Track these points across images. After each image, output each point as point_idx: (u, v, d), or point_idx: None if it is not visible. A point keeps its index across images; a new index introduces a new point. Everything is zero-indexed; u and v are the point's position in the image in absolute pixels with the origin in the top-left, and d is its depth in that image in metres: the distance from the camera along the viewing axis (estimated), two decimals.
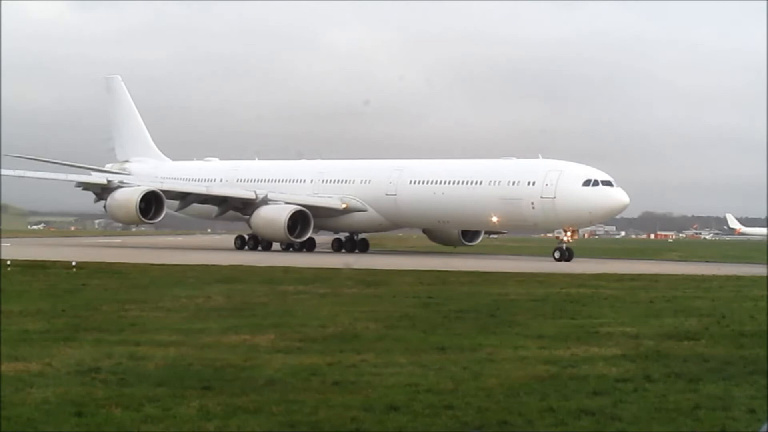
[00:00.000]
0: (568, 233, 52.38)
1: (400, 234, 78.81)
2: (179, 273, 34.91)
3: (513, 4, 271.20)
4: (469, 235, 62.39)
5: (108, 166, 73.24)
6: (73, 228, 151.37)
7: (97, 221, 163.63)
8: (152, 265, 39.05)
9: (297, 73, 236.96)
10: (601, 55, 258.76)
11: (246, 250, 60.86)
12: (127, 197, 58.77)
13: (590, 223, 60.06)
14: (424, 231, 64.87)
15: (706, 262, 55.75)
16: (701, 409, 11.24)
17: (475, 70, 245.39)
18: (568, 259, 51.00)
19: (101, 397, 11.32)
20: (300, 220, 57.54)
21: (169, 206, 60.88)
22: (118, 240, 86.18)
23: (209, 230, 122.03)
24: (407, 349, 15.85)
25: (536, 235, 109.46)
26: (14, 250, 49.01)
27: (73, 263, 36.40)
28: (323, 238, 65.00)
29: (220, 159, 72.65)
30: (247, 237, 62.22)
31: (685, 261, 51.09)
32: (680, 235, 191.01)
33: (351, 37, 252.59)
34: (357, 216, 59.95)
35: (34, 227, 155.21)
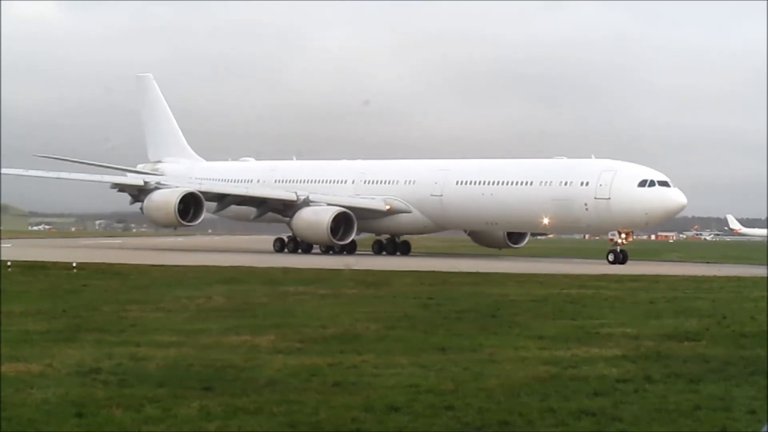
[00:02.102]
0: (623, 235, 50.38)
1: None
2: (180, 274, 34.92)
3: (504, 5, 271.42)
4: (514, 236, 60.39)
5: (140, 167, 71.65)
6: (73, 229, 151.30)
7: (97, 222, 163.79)
8: (153, 266, 39.04)
9: (289, 73, 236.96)
10: (595, 56, 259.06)
11: (286, 252, 59.32)
12: (166, 199, 57.14)
13: (646, 225, 57.70)
14: (468, 233, 63.00)
15: (707, 262, 55.74)
16: (702, 409, 11.24)
17: (467, 71, 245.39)
18: (623, 262, 49.30)
19: (102, 398, 11.32)
20: (343, 222, 56.02)
21: (206, 208, 58.93)
22: (118, 241, 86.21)
23: (210, 231, 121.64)
24: (408, 349, 15.85)
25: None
26: (15, 251, 49.05)
27: (74, 264, 36.40)
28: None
29: (256, 159, 70.89)
30: (286, 239, 60.67)
31: (685, 262, 51.00)
32: (681, 235, 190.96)
33: (345, 39, 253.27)
34: (401, 218, 58.42)
35: (35, 228, 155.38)
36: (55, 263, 38.34)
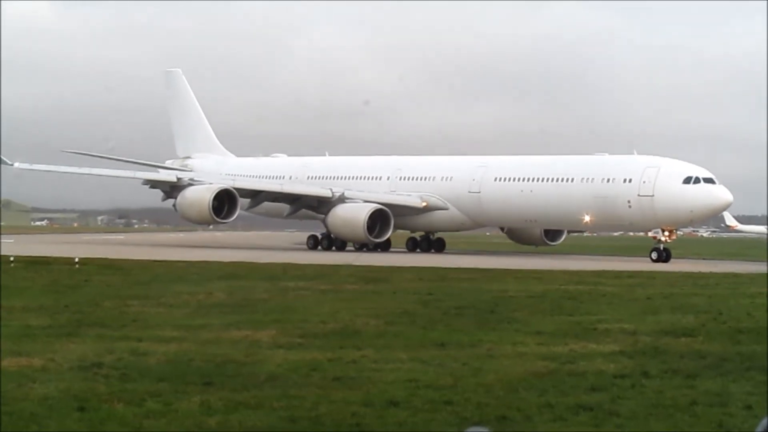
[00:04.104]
0: (666, 233, 49.40)
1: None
2: (181, 269, 34.92)
3: (492, 5, 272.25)
4: (551, 234, 59.08)
5: (168, 162, 70.75)
6: (75, 224, 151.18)
7: (99, 218, 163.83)
8: (154, 261, 39.05)
9: (278, 74, 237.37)
10: (581, 54, 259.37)
11: (319, 250, 58.27)
12: (200, 196, 55.84)
13: (691, 223, 56.78)
14: (504, 230, 61.52)
15: (704, 259, 55.70)
16: (698, 404, 11.24)
17: (456, 69, 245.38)
18: (666, 260, 48.21)
19: (103, 393, 11.33)
20: (379, 219, 55.02)
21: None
22: (120, 237, 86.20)
23: (210, 227, 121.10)
24: (407, 345, 15.86)
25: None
26: (17, 247, 49.01)
27: (76, 259, 36.37)
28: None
29: (287, 155, 69.96)
30: (320, 236, 59.52)
31: (682, 258, 50.88)
32: (678, 232, 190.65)
33: (345, 40, 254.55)
34: (437, 215, 57.14)
35: (37, 223, 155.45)
36: (57, 259, 38.34)
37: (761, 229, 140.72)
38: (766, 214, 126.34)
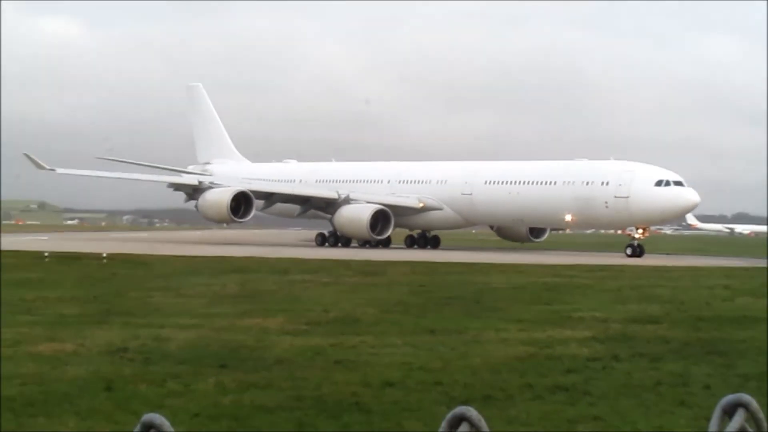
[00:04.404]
0: (640, 231, 49.47)
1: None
2: (199, 264, 34.89)
3: (475, 26, 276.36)
4: (535, 231, 59.32)
5: (190, 168, 70.23)
6: (103, 223, 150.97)
7: (124, 217, 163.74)
8: (174, 256, 39.01)
9: (289, 88, 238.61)
10: (556, 69, 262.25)
11: (327, 246, 57.94)
12: (219, 197, 56.06)
13: (662, 222, 56.74)
14: (494, 228, 61.60)
15: (667, 254, 55.69)
16: (662, 384, 11.26)
17: (440, 85, 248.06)
18: (640, 255, 48.03)
19: (128, 374, 11.33)
20: (380, 218, 55.21)
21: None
22: (144, 234, 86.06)
23: (224, 225, 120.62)
24: (401, 331, 15.85)
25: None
26: (51, 243, 49.01)
27: (104, 255, 36.39)
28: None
29: (298, 161, 69.69)
30: (327, 234, 59.30)
31: (648, 254, 50.85)
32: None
33: (348, 59, 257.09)
34: (433, 214, 57.28)
35: (69, 222, 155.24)
36: (86, 254, 38.31)
37: (719, 227, 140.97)
38: (766, 215, 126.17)
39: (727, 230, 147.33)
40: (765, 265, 37.64)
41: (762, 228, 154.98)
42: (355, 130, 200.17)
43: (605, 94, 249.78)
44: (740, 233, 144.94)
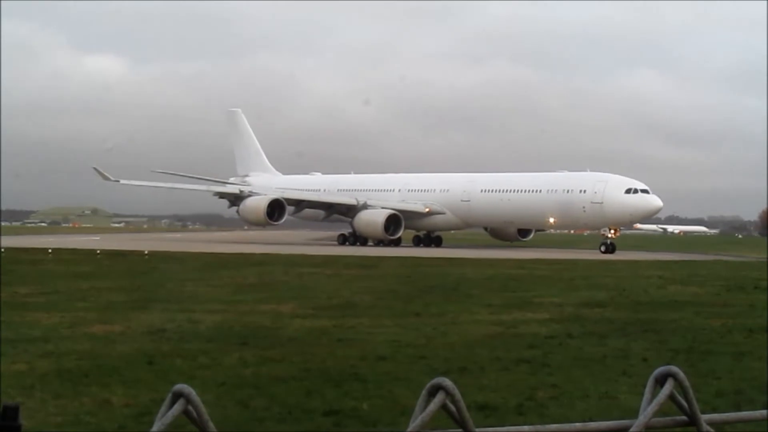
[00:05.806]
0: (612, 231, 49.47)
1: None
2: (224, 259, 34.82)
3: (440, 61, 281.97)
4: (522, 232, 59.42)
5: (231, 179, 69.60)
6: (145, 226, 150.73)
7: (163, 221, 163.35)
8: (204, 253, 38.93)
9: (317, 113, 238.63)
10: (511, 98, 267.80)
11: (347, 245, 57.22)
12: (257, 204, 56.00)
13: (631, 223, 56.68)
14: (487, 229, 61.24)
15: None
16: (608, 357, 11.28)
17: (418, 108, 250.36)
18: (612, 252, 47.75)
19: (166, 351, 11.31)
20: (393, 221, 55.24)
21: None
22: (179, 235, 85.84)
23: (252, 227, 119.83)
24: (392, 314, 15.85)
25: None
26: (102, 243, 48.90)
27: (146, 252, 36.31)
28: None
29: (322, 173, 69.56)
30: (347, 234, 59.05)
31: (595, 249, 50.89)
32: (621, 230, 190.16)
33: (338, 85, 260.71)
34: (437, 218, 57.23)
35: (116, 225, 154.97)
36: (131, 251, 38.23)
37: (654, 227, 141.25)
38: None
39: (661, 230, 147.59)
40: (692, 259, 37.74)
41: (690, 227, 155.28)
42: (348, 146, 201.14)
43: (554, 116, 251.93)
44: (672, 232, 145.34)
